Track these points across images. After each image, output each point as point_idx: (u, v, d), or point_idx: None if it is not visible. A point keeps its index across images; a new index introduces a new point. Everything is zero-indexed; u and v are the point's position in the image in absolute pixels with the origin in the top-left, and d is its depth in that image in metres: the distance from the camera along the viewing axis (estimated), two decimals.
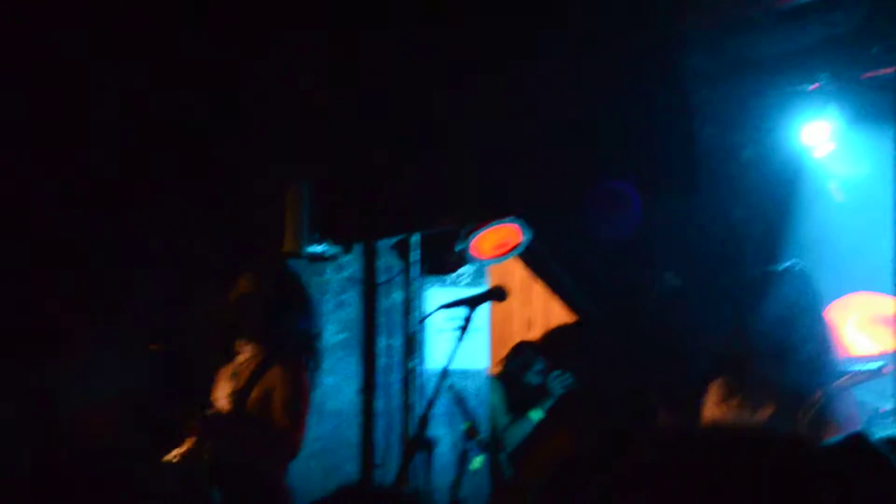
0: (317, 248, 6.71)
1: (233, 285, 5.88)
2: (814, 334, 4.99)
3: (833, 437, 1.47)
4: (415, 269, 7.03)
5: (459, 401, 6.97)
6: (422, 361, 7.01)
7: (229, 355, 5.84)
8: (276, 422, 5.63)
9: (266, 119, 6.75)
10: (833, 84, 6.18)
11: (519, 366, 7.89)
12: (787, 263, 5.21)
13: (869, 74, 6.05)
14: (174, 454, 5.71)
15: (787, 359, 4.92)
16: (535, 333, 8.59)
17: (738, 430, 1.47)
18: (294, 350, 5.77)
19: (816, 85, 6.27)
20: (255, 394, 5.68)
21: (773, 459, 1.36)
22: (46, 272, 6.52)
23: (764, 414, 4.95)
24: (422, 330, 7.06)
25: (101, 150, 6.52)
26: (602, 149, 5.30)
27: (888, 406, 5.77)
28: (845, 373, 4.94)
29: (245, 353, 5.81)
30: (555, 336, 8.41)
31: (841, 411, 4.94)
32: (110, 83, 6.43)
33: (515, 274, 8.47)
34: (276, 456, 5.68)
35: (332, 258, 6.91)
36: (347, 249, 6.98)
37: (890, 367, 5.06)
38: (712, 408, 5.12)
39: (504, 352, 8.09)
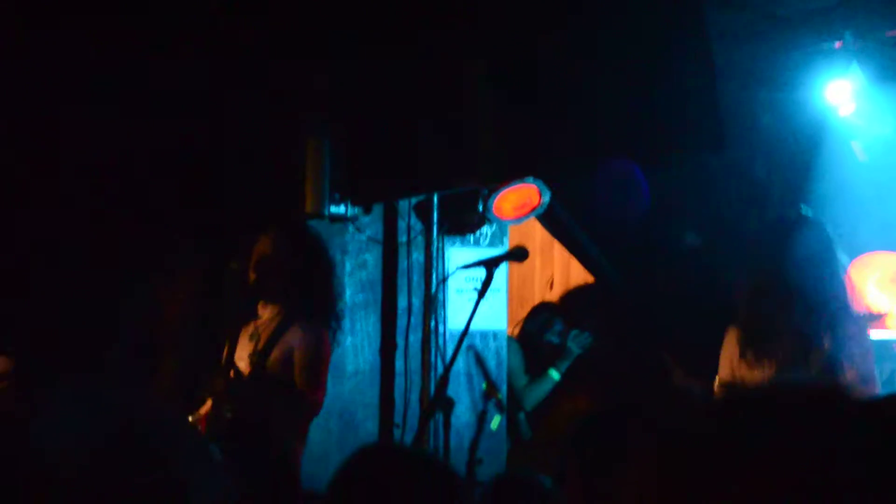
0: (338, 209, 6.70)
1: (254, 246, 5.88)
2: (823, 280, 4.99)
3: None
4: (435, 230, 7.01)
5: (478, 361, 6.99)
6: (441, 322, 7.01)
7: (250, 316, 5.84)
8: (296, 382, 5.64)
9: (288, 79, 6.72)
10: (857, 42, 6.13)
11: (538, 326, 7.88)
12: (801, 212, 5.20)
13: (893, 33, 6.00)
14: (195, 415, 5.74)
15: (797, 302, 4.92)
16: (554, 294, 8.58)
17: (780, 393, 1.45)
18: (314, 311, 5.78)
19: (840, 43, 6.22)
20: (274, 354, 5.69)
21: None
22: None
23: (775, 361, 4.95)
24: (442, 290, 7.06)
25: (123, 116, 6.52)
26: (626, 108, 5.27)
27: None
28: (855, 319, 4.94)
29: (265, 314, 5.82)
30: (574, 296, 8.40)
31: (855, 355, 4.96)
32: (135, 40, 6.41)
33: (536, 234, 8.45)
34: (296, 415, 5.69)
35: (353, 219, 6.89)
36: (368, 210, 6.97)
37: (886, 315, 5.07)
38: (728, 367, 5.12)
39: (523, 312, 8.09)
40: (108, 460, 1.92)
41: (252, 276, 5.78)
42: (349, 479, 2.71)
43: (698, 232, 7.03)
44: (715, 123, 4.96)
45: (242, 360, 5.71)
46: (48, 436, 1.96)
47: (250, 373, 5.66)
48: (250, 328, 5.81)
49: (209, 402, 5.71)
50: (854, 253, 6.54)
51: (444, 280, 7.00)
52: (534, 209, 6.73)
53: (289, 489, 5.55)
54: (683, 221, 7.16)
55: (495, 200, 6.66)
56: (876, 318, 5.04)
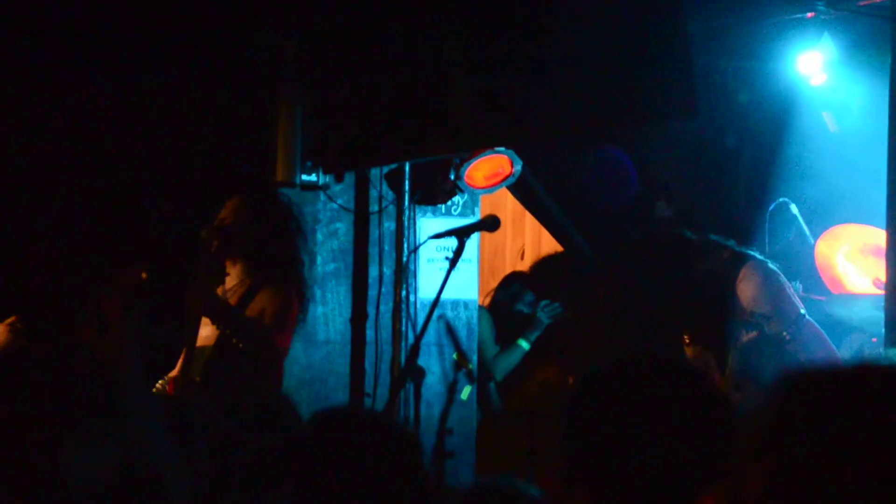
0: (309, 177, 6.68)
1: (222, 211, 5.86)
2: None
3: None
4: (407, 199, 6.99)
5: (449, 331, 6.98)
6: (412, 291, 7.00)
7: (218, 281, 5.83)
8: (264, 328, 5.64)
9: (261, 47, 6.69)
10: (829, 12, 6.13)
11: (509, 296, 7.88)
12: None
13: (865, 2, 6.00)
14: (162, 381, 5.73)
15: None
16: (525, 264, 8.58)
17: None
18: (281, 278, 5.77)
19: (812, 13, 6.21)
20: None
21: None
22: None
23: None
24: (413, 260, 7.04)
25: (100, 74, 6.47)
26: (600, 76, 5.26)
27: (879, 334, 5.78)
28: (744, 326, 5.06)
29: (233, 281, 5.81)
30: (545, 267, 8.40)
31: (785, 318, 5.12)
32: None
33: (507, 205, 8.44)
34: (265, 362, 5.68)
35: (325, 187, 6.87)
36: (339, 178, 6.95)
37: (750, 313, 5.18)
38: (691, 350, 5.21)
39: (495, 282, 8.09)
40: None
41: (216, 242, 5.76)
42: (311, 442, 2.71)
43: (669, 202, 7.03)
44: (688, 92, 4.97)
45: (209, 326, 5.69)
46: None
47: (217, 336, 5.65)
48: (219, 293, 5.80)
49: (177, 367, 5.71)
50: (824, 225, 6.57)
51: (415, 249, 6.99)
52: (505, 178, 6.72)
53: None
54: (655, 192, 7.16)
55: (467, 170, 6.65)
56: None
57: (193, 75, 6.68)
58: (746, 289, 5.32)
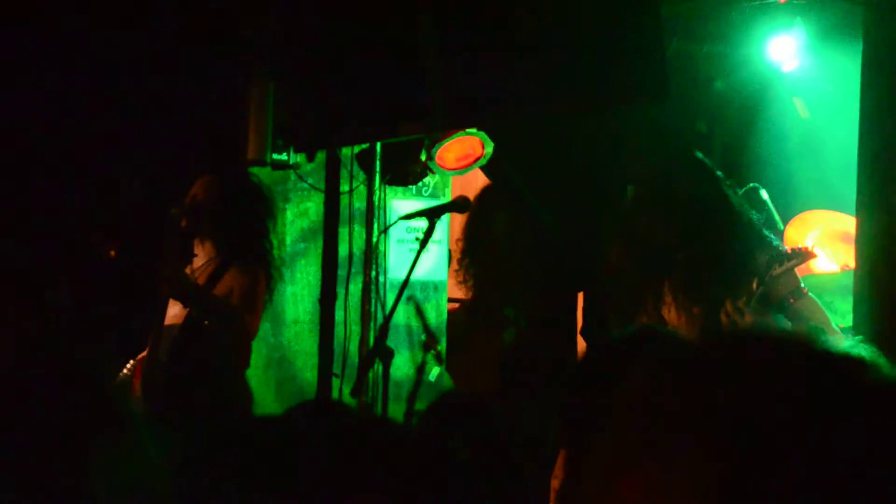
0: (280, 156, 6.65)
1: (192, 189, 5.84)
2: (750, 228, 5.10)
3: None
4: (378, 179, 6.97)
5: (418, 312, 6.97)
6: (382, 272, 6.98)
7: (187, 259, 5.81)
8: (232, 307, 5.63)
9: (233, 24, 6.66)
10: None
11: None
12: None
13: None
14: (131, 364, 5.70)
15: (717, 251, 5.04)
16: None
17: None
18: (249, 256, 5.76)
19: None
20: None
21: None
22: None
23: (703, 308, 5.05)
24: (383, 240, 7.03)
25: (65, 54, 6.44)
26: (570, 58, 5.26)
27: (846, 322, 5.80)
28: (778, 260, 5.02)
29: (201, 259, 5.78)
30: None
31: (787, 287, 5.07)
32: None
33: (478, 186, 8.42)
34: (234, 346, 5.66)
35: (296, 166, 6.85)
36: (311, 158, 6.92)
37: (812, 248, 5.16)
38: (652, 311, 5.18)
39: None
40: None
41: (185, 220, 5.74)
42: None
43: (638, 185, 7.03)
44: (660, 74, 4.97)
45: (178, 305, 5.67)
46: None
47: (185, 315, 5.63)
48: (187, 272, 5.78)
49: (146, 348, 5.69)
50: (794, 210, 6.59)
51: (385, 230, 6.98)
52: (476, 160, 6.71)
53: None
54: (625, 176, 7.16)
55: (438, 151, 6.63)
56: (806, 255, 5.10)
57: (165, 52, 6.64)
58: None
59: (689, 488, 1.22)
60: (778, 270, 4.99)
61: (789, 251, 5.07)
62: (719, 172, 5.33)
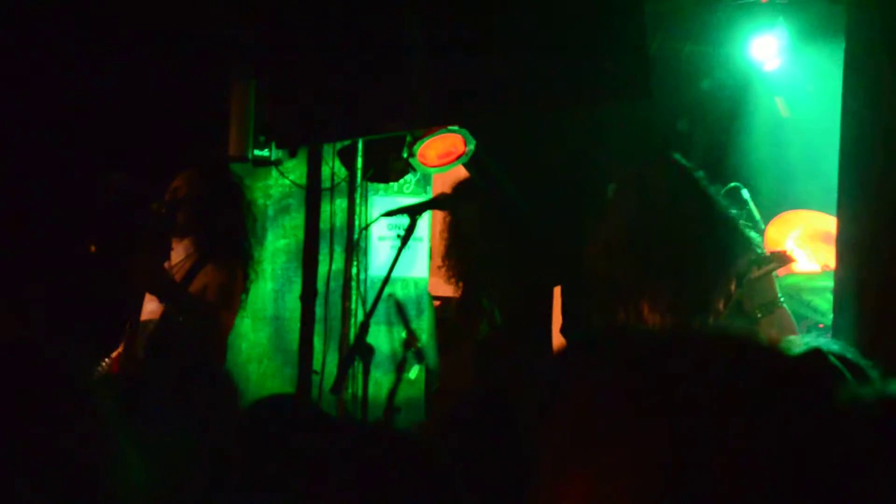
0: (262, 152, 6.64)
1: (173, 185, 5.82)
2: (714, 228, 5.13)
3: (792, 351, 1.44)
4: (359, 176, 6.96)
5: (399, 309, 6.96)
6: (363, 269, 6.97)
7: (165, 255, 5.79)
8: (208, 304, 5.61)
9: (215, 21, 6.64)
10: None
11: None
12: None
13: None
14: (108, 360, 5.68)
15: (696, 252, 5.06)
16: None
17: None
18: (228, 252, 5.74)
19: None
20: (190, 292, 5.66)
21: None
22: None
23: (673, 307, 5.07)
24: (364, 237, 7.02)
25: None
26: (554, 55, 5.26)
27: (826, 322, 5.82)
28: (756, 263, 5.06)
29: (180, 254, 5.76)
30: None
31: (762, 297, 5.12)
32: None
33: (459, 182, 8.41)
34: (209, 343, 5.65)
35: (277, 162, 6.83)
36: (292, 154, 6.90)
37: (791, 253, 5.23)
38: (631, 311, 5.20)
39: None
40: None
41: (165, 216, 5.72)
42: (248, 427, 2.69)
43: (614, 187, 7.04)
44: (642, 71, 4.97)
45: (155, 300, 5.65)
46: None
47: (162, 311, 5.61)
48: (165, 267, 5.76)
49: (122, 344, 5.67)
50: (775, 210, 6.59)
51: (366, 227, 6.97)
52: (458, 157, 6.71)
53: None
54: (608, 175, 7.16)
55: (420, 148, 6.63)
56: (784, 259, 5.17)
57: (148, 48, 6.62)
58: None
59: (636, 476, 1.24)
60: (756, 273, 5.03)
61: (768, 254, 5.10)
62: (700, 173, 5.33)
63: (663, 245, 5.15)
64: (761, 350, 1.36)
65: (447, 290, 7.27)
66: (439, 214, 6.93)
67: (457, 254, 7.07)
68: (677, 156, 5.40)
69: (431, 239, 7.43)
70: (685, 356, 1.33)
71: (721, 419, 1.26)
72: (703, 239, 5.15)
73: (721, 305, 4.98)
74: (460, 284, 7.16)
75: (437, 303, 7.54)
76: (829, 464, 1.26)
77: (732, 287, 5.03)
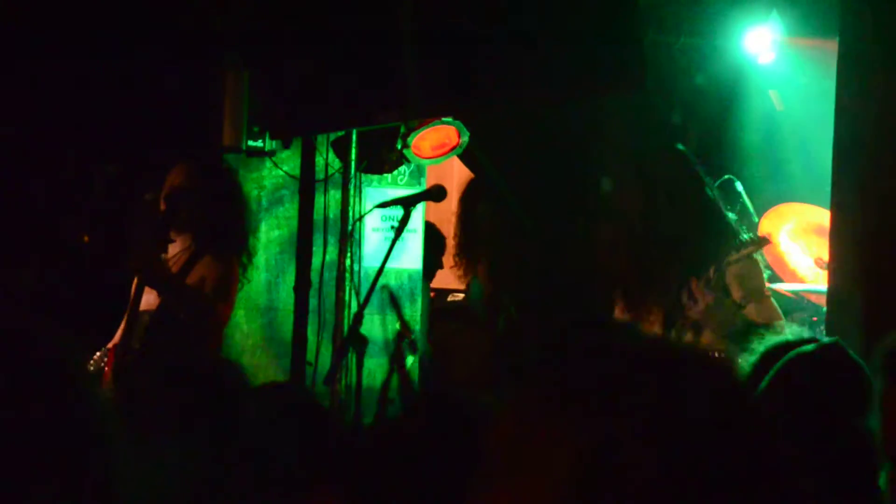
0: (256, 143, 6.63)
1: (168, 177, 5.81)
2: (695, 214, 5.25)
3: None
4: (353, 167, 6.96)
5: (392, 300, 6.96)
6: (357, 260, 6.97)
7: (162, 247, 5.78)
8: (205, 296, 5.61)
9: (209, 11, 6.63)
10: None
11: None
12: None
13: None
14: (102, 350, 5.68)
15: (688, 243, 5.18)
16: None
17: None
18: (225, 244, 5.74)
19: None
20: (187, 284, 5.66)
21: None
22: None
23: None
24: (358, 228, 7.02)
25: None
26: (549, 47, 5.26)
27: (819, 315, 5.85)
28: (735, 247, 5.18)
29: (177, 246, 5.76)
30: None
31: (749, 285, 5.31)
32: None
33: (454, 175, 8.42)
34: (206, 334, 5.65)
35: (271, 153, 6.83)
36: (286, 145, 6.90)
37: (769, 240, 5.40)
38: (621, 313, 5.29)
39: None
40: None
41: (161, 207, 5.71)
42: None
43: (613, 178, 7.05)
44: (637, 64, 4.98)
45: (152, 292, 5.65)
46: None
47: (159, 302, 5.61)
48: (162, 259, 5.76)
49: (118, 335, 5.66)
50: (769, 203, 6.60)
51: (360, 218, 6.97)
52: (452, 149, 6.71)
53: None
54: (601, 168, 7.17)
55: (414, 139, 6.63)
56: (762, 243, 5.28)
57: (141, 40, 6.62)
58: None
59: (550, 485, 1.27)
60: (734, 256, 5.14)
61: (746, 238, 5.22)
62: (696, 162, 5.43)
63: (663, 235, 5.26)
64: (696, 362, 1.38)
65: (459, 286, 7.33)
66: (433, 206, 6.93)
67: (469, 249, 7.10)
68: (680, 146, 5.48)
69: (425, 230, 7.43)
70: (611, 364, 1.36)
71: (636, 426, 1.28)
72: (698, 228, 5.26)
73: (701, 286, 5.13)
74: (474, 280, 7.22)
75: (455, 297, 7.60)
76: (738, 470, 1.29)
77: (712, 272, 5.16)
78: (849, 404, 2.72)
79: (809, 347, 2.86)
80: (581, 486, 1.26)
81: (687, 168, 5.40)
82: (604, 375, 1.33)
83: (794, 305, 6.14)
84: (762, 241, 5.33)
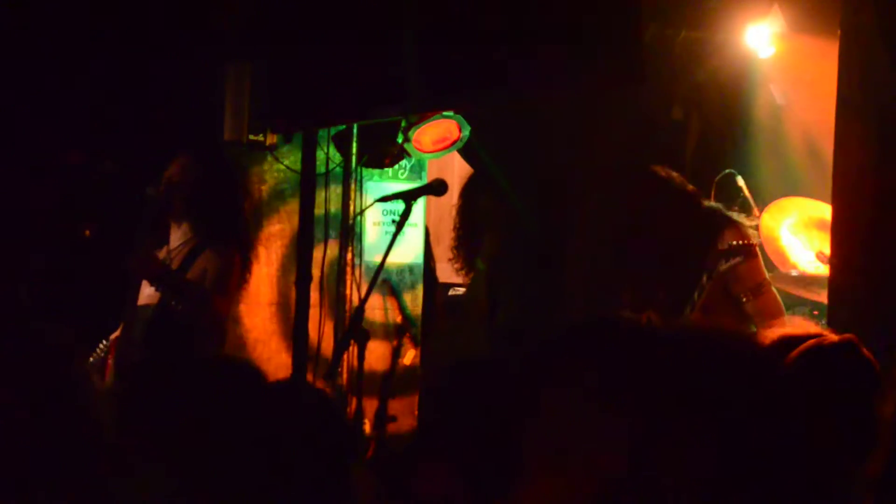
0: (257, 137, 6.64)
1: (169, 170, 5.82)
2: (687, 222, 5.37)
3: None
4: (354, 161, 6.96)
5: (394, 295, 6.97)
6: (358, 254, 6.97)
7: (162, 240, 5.79)
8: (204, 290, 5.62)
9: (210, 5, 6.64)
10: None
11: None
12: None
13: None
14: (105, 343, 5.69)
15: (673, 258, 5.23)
16: None
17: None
18: (226, 238, 5.74)
19: None
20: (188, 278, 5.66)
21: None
22: None
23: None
24: (359, 222, 7.02)
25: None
26: (549, 42, 5.26)
27: (819, 309, 5.85)
28: (724, 257, 5.23)
29: (177, 240, 5.76)
30: None
31: (748, 281, 5.39)
32: None
33: (454, 169, 8.41)
34: (206, 328, 5.65)
35: (272, 147, 6.83)
36: (287, 139, 6.91)
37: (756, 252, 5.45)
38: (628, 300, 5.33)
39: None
40: None
41: (161, 201, 5.72)
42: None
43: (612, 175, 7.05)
44: (637, 58, 4.98)
45: (152, 287, 5.65)
46: None
47: (160, 296, 5.61)
48: (163, 253, 5.76)
49: (119, 328, 5.67)
50: (770, 196, 6.59)
51: (361, 212, 6.97)
52: (453, 143, 6.70)
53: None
54: (602, 166, 7.16)
55: (415, 133, 6.63)
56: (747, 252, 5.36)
57: (142, 32, 6.62)
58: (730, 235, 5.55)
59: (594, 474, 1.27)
60: (724, 266, 5.20)
61: (734, 245, 5.27)
62: (678, 181, 5.52)
63: (648, 252, 5.38)
64: (725, 346, 1.38)
65: (457, 279, 7.32)
66: (434, 200, 6.94)
67: (466, 242, 7.10)
68: (657, 169, 5.58)
69: (426, 224, 7.43)
70: (648, 356, 1.35)
71: (675, 418, 1.28)
72: (683, 243, 5.36)
73: (696, 296, 5.20)
74: (472, 274, 7.23)
75: (455, 291, 7.60)
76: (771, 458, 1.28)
77: (704, 280, 5.22)
78: (861, 400, 2.72)
79: (818, 342, 2.85)
80: (624, 483, 1.25)
81: (665, 192, 5.52)
82: (637, 371, 1.32)
83: (795, 299, 6.14)
84: (752, 252, 5.39)
